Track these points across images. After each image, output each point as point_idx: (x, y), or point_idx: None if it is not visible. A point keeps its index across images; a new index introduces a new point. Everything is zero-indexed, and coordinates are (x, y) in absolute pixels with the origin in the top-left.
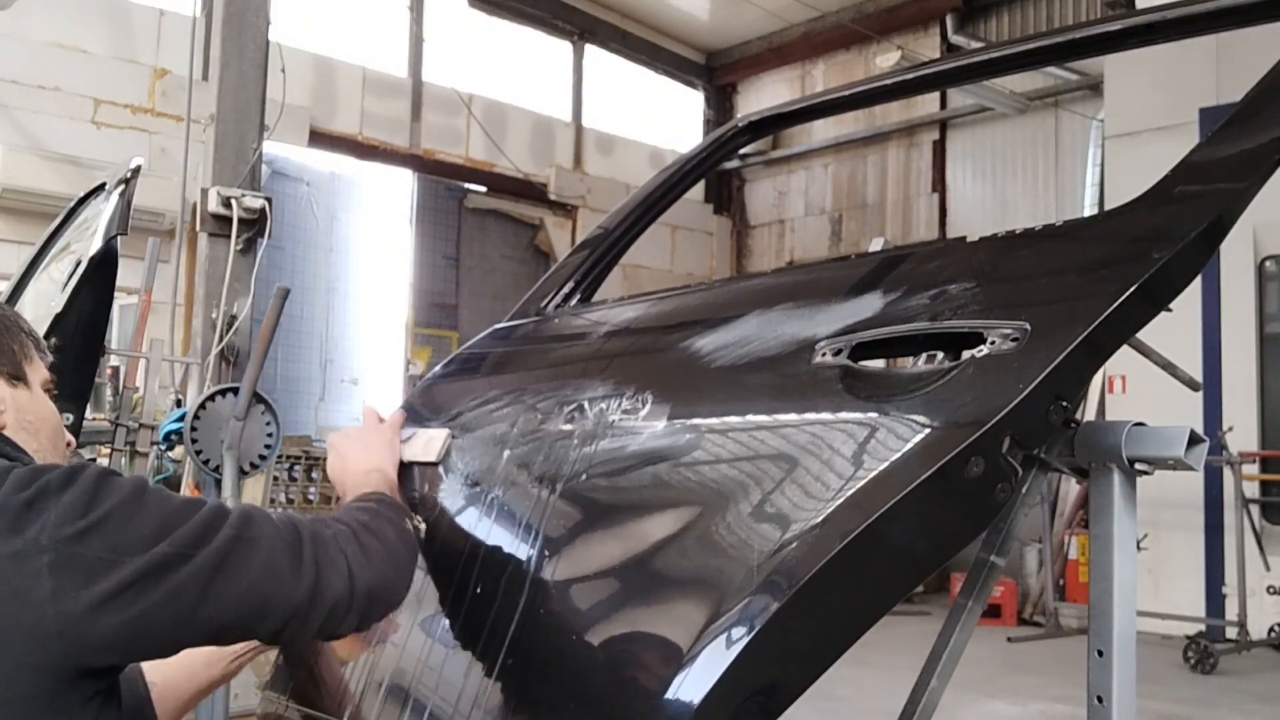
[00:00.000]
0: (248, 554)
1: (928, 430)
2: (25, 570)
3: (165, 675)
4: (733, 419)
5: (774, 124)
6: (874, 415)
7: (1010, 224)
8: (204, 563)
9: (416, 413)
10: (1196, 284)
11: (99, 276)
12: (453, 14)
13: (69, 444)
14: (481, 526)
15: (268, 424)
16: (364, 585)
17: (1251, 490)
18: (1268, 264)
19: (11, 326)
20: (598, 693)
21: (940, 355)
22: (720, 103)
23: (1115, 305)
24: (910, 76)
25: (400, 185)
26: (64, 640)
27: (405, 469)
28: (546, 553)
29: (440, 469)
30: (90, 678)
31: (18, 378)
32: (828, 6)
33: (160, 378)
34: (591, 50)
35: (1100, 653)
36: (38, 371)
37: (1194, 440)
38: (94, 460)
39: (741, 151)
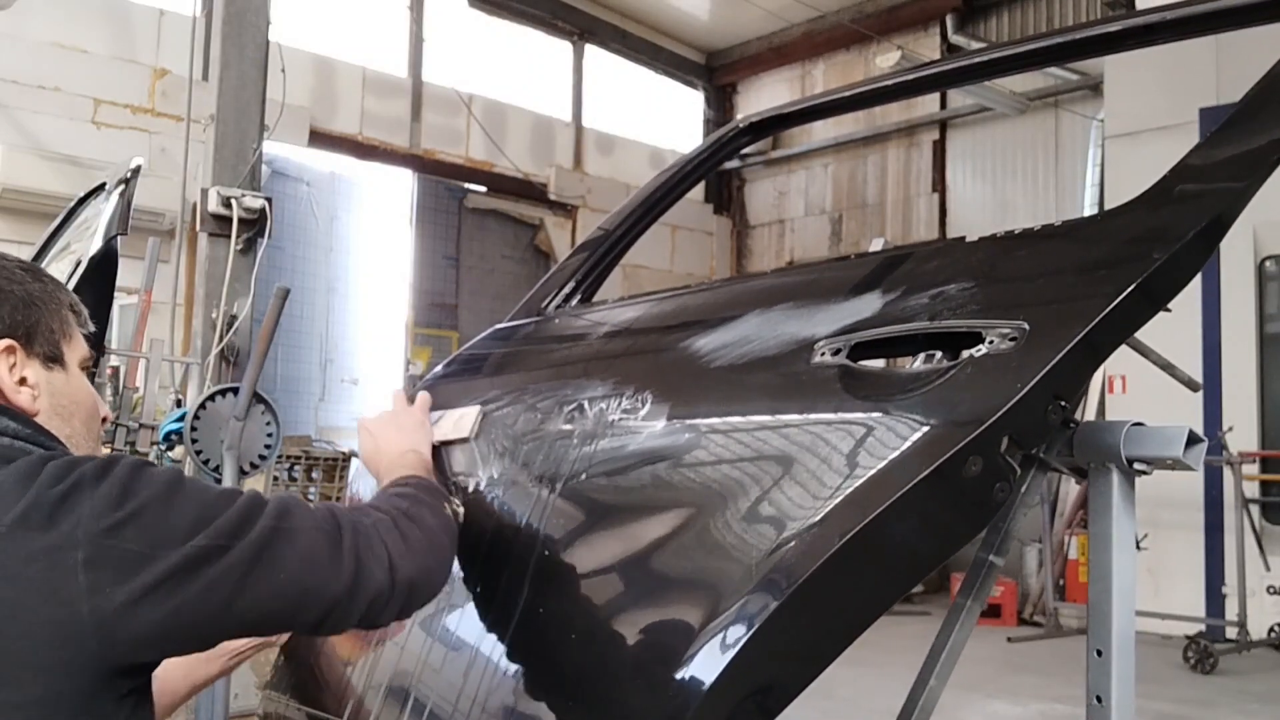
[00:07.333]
0: (286, 545)
1: (926, 429)
2: (60, 566)
3: (162, 670)
4: (732, 419)
5: (774, 125)
6: (873, 415)
7: (1010, 224)
8: (241, 555)
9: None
10: (1196, 284)
11: (99, 276)
12: (453, 14)
13: (105, 419)
14: (480, 527)
15: (268, 424)
16: (405, 575)
17: (1251, 490)
18: (1268, 264)
19: (51, 300)
20: (596, 692)
21: (939, 355)
22: (720, 103)
23: (1114, 305)
24: (910, 77)
25: (400, 185)
26: (100, 638)
27: (438, 451)
28: (545, 552)
29: (466, 450)
30: (125, 676)
31: (54, 359)
32: (828, 6)
33: (160, 378)
34: (591, 50)
35: (1099, 653)
36: (76, 350)
37: (1193, 440)
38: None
39: (742, 151)
